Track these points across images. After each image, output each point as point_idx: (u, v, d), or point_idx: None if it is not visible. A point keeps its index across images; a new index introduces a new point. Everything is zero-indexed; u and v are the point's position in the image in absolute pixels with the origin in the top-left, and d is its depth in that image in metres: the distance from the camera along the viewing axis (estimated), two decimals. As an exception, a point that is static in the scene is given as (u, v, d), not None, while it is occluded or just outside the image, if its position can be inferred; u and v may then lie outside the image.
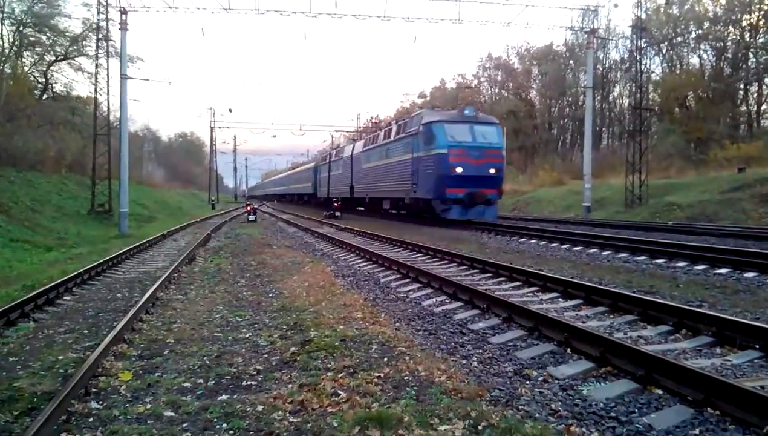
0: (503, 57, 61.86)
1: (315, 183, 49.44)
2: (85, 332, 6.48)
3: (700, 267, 10.03)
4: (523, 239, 15.92)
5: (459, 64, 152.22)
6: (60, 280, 9.05)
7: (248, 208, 31.91)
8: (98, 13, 24.97)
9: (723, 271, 9.61)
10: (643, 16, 30.56)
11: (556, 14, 24.93)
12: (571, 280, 8.27)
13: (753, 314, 6.48)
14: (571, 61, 53.97)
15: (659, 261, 10.88)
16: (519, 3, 24.55)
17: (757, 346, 5.09)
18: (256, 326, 6.53)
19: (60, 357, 5.39)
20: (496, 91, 63.41)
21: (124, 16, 22.73)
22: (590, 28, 27.06)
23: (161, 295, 8.52)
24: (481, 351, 5.44)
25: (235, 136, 76.72)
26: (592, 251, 12.83)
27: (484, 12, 24.58)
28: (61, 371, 4.98)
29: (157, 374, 4.84)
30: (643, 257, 11.38)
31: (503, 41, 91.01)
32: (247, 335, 6.09)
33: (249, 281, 9.96)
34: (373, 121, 64.18)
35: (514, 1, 24.57)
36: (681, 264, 10.42)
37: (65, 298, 8.57)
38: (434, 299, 8.00)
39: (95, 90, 27.03)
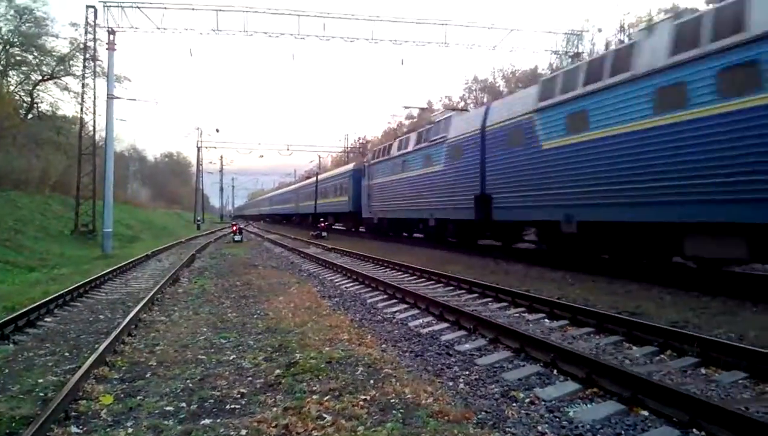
0: (489, 79, 62.90)
1: (356, 194, 31.66)
2: (66, 354, 6.36)
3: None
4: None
5: (446, 86, 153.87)
6: (41, 301, 8.90)
7: (234, 228, 31.76)
8: (86, 33, 25.00)
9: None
10: (626, 40, 31.14)
11: (541, 38, 25.26)
12: (557, 301, 8.30)
13: (737, 334, 6.52)
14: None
15: (643, 282, 10.93)
16: (504, 27, 24.94)
17: (741, 367, 5.12)
18: (240, 348, 6.45)
19: (40, 380, 5.28)
20: (483, 113, 64.10)
21: (111, 37, 22.74)
22: (574, 52, 27.50)
23: (144, 316, 8.41)
24: (468, 373, 5.41)
25: (222, 157, 76.78)
26: (577, 272, 12.86)
27: (471, 35, 24.86)
28: (41, 394, 4.88)
29: (138, 398, 4.75)
30: (627, 278, 11.42)
31: (489, 63, 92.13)
32: (231, 358, 6.01)
33: (234, 302, 9.86)
34: (361, 141, 64.53)
35: (500, 26, 25.02)
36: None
37: (46, 320, 8.43)
38: (421, 320, 7.96)
39: (81, 109, 26.97)
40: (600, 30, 59.07)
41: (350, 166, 35.39)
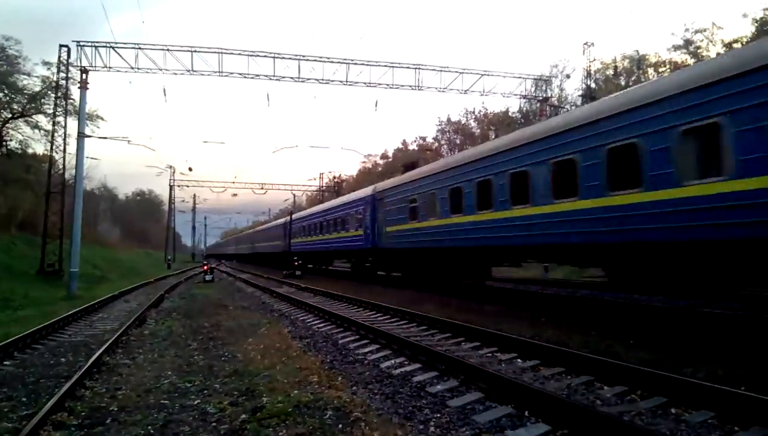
0: (462, 121, 63.79)
1: None
2: (24, 399, 6.13)
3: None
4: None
5: (420, 127, 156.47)
6: (1, 344, 8.61)
7: (205, 267, 31.29)
8: (58, 71, 24.89)
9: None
10: (593, 85, 32.21)
11: (511, 83, 25.94)
12: (529, 340, 8.28)
13: (705, 373, 6.55)
14: (527, 127, 55.83)
15: (616, 322, 11.01)
16: (476, 72, 25.60)
17: (709, 406, 5.13)
18: (205, 392, 6.27)
19: (-8, 428, 5.05)
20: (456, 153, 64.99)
21: (84, 75, 22.67)
22: (543, 96, 28.27)
23: (107, 359, 8.17)
24: (439, 415, 5.32)
25: (195, 195, 75.88)
26: (550, 311, 12.91)
27: (443, 79, 25.36)
28: (-8, 443, 4.66)
29: (96, 446, 4.56)
30: (600, 318, 11.49)
31: (462, 105, 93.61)
32: (195, 402, 5.83)
33: (201, 344, 9.63)
34: (336, 180, 64.64)
35: (472, 70, 25.64)
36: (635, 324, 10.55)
37: (5, 363, 8.14)
38: (393, 361, 7.86)
39: (51, 148, 26.56)
40: (568, 76, 60.87)
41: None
